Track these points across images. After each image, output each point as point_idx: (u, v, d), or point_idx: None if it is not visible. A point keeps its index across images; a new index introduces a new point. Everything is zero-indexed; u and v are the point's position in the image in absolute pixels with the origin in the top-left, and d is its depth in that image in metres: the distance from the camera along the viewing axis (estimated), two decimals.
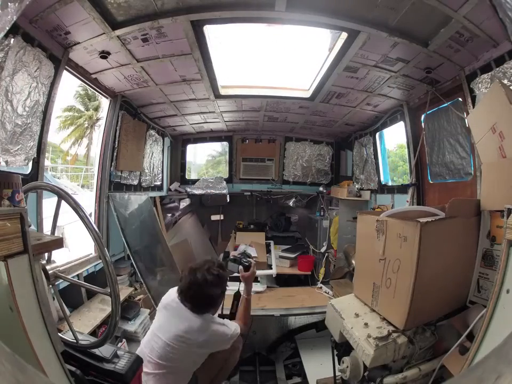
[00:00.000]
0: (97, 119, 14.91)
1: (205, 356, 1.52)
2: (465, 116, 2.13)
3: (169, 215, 4.19)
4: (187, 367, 1.50)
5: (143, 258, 2.80)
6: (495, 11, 1.37)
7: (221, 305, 1.66)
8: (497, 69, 1.77)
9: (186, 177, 4.62)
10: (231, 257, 1.98)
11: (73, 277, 2.13)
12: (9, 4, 0.84)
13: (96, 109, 15.12)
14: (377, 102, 2.92)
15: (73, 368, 1.07)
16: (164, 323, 1.54)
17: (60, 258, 1.32)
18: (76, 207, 1.02)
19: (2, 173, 1.09)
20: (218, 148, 11.61)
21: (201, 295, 1.49)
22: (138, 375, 1.33)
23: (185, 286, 1.51)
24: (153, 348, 1.47)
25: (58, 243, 0.93)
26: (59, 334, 1.13)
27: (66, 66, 2.01)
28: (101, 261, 2.31)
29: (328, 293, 2.96)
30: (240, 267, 1.86)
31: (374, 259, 1.28)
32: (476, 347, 0.88)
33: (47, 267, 1.07)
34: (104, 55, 2.06)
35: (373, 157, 3.57)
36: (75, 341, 1.17)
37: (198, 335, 1.44)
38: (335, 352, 1.37)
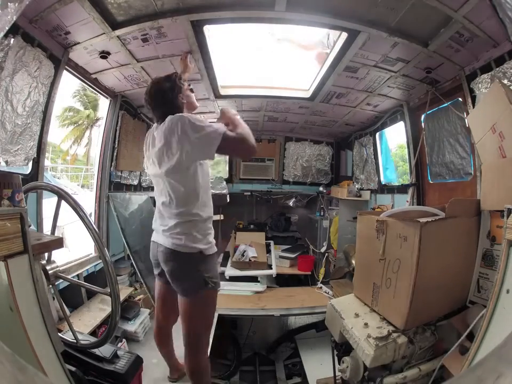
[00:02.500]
0: (97, 119, 14.91)
1: (186, 156, 1.27)
2: (465, 115, 2.13)
3: None
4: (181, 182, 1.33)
5: (143, 258, 2.80)
6: (495, 11, 1.37)
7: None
8: (497, 69, 1.77)
9: None
10: None
11: (73, 277, 2.13)
12: (9, 4, 0.84)
13: (94, 107, 15.12)
14: (377, 102, 2.92)
15: (73, 368, 1.07)
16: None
17: (59, 258, 1.32)
18: (76, 207, 1.02)
19: (2, 173, 1.09)
20: None
21: (154, 98, 1.43)
22: (138, 375, 1.34)
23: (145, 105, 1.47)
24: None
25: (58, 243, 0.93)
26: (59, 334, 1.13)
27: (66, 66, 2.01)
28: (101, 261, 2.30)
29: (328, 293, 2.96)
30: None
31: (374, 259, 1.28)
32: (476, 347, 0.88)
33: (47, 267, 1.08)
34: (104, 55, 2.06)
35: (373, 157, 3.57)
36: (75, 341, 1.17)
37: (165, 131, 1.29)
38: (335, 352, 1.37)
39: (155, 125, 1.48)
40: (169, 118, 1.32)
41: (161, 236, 1.41)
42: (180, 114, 1.33)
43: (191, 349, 1.43)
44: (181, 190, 1.33)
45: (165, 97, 1.43)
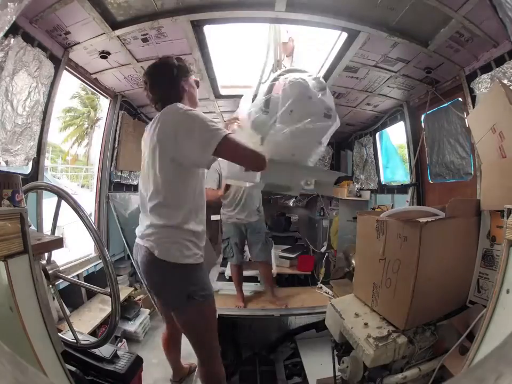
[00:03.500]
0: (97, 119, 14.91)
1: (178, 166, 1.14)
2: (465, 115, 2.13)
3: None
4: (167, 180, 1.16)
5: None
6: (495, 11, 1.37)
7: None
8: (497, 69, 1.77)
9: None
10: None
11: (73, 277, 2.13)
12: (9, 3, 0.84)
13: (94, 107, 15.12)
14: (377, 102, 2.92)
15: (73, 368, 1.07)
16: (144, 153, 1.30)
17: (60, 258, 1.32)
18: (76, 207, 1.02)
19: (2, 173, 1.09)
20: None
21: (152, 74, 1.25)
22: (138, 375, 1.34)
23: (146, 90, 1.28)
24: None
25: (58, 243, 0.93)
26: (59, 334, 1.13)
27: (66, 66, 2.01)
28: (101, 261, 2.30)
29: (328, 293, 2.95)
30: None
31: (374, 259, 1.28)
32: (476, 347, 0.88)
33: (47, 267, 1.08)
34: (104, 55, 2.06)
35: (373, 157, 3.57)
36: (75, 341, 1.17)
37: (160, 123, 1.15)
38: (335, 352, 1.37)
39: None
40: (174, 105, 1.14)
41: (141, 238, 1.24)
42: (189, 109, 1.14)
43: (202, 360, 1.33)
44: (173, 190, 1.17)
45: (166, 76, 1.23)
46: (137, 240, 1.28)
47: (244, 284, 2.73)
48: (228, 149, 1.08)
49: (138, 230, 1.29)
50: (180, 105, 1.15)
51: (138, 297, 2.71)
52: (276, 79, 1.27)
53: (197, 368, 1.71)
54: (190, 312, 1.21)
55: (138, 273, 1.38)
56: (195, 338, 1.29)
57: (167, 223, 1.17)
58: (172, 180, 1.15)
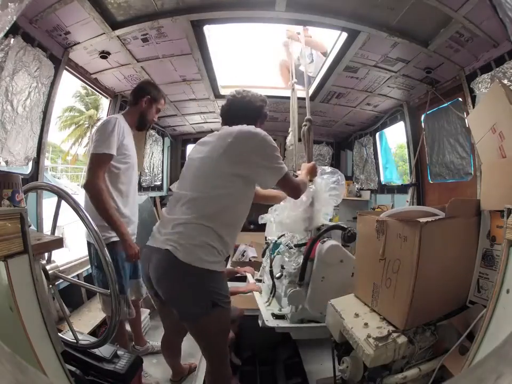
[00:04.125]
0: (98, 119, 14.90)
1: (246, 189, 1.21)
2: (465, 115, 2.13)
3: None
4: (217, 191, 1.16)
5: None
6: (495, 11, 1.37)
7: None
8: (497, 69, 1.77)
9: None
10: None
11: (73, 277, 2.13)
12: (9, 4, 0.84)
13: (97, 107, 15.12)
14: (377, 102, 2.92)
15: (73, 368, 1.07)
16: (193, 155, 1.31)
17: (59, 258, 1.32)
18: (76, 207, 1.02)
19: (2, 173, 1.09)
20: None
21: (246, 107, 1.33)
22: (138, 375, 1.34)
23: (226, 108, 1.38)
24: (178, 199, 1.21)
25: (58, 243, 0.93)
26: (59, 334, 1.13)
27: (66, 66, 2.01)
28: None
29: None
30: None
31: (374, 259, 1.27)
32: (476, 347, 0.88)
33: (47, 267, 1.08)
34: (104, 55, 2.06)
35: (373, 157, 3.57)
36: (75, 341, 1.17)
37: (229, 133, 1.20)
38: (335, 352, 1.37)
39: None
40: (253, 128, 1.23)
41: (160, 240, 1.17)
42: (263, 132, 1.22)
43: (214, 363, 1.27)
44: (226, 199, 1.17)
45: (251, 115, 1.34)
46: (152, 243, 1.20)
47: (243, 283, 2.72)
48: (285, 183, 1.26)
49: (158, 232, 1.21)
50: (258, 129, 1.23)
51: None
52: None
53: (197, 370, 1.70)
54: (211, 319, 1.14)
55: (144, 280, 1.29)
56: (210, 344, 1.23)
57: (204, 224, 1.12)
58: (230, 192, 1.17)
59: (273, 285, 1.53)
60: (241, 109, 1.34)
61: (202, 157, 1.23)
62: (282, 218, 1.52)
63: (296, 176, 1.52)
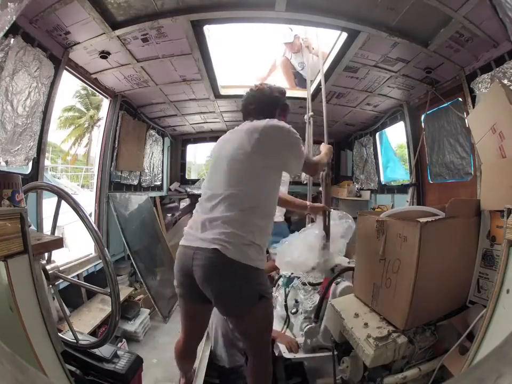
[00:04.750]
0: (98, 119, 14.90)
1: (274, 177, 1.27)
2: (465, 115, 2.13)
3: (169, 215, 4.19)
4: (254, 186, 1.21)
5: (143, 258, 2.80)
6: (495, 11, 1.37)
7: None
8: (497, 69, 1.77)
9: (186, 177, 4.62)
10: None
11: (73, 277, 2.13)
12: (9, 3, 0.84)
13: (97, 107, 15.11)
14: (377, 102, 2.92)
15: (73, 368, 1.07)
16: (220, 154, 1.34)
17: (60, 258, 1.31)
18: (76, 207, 1.02)
19: (2, 173, 1.09)
20: None
21: (263, 100, 1.39)
22: (138, 375, 1.34)
23: (245, 102, 1.45)
24: (210, 187, 1.26)
25: (58, 243, 0.93)
26: (59, 334, 1.13)
27: (66, 66, 2.01)
28: (101, 261, 2.30)
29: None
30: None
31: (374, 259, 1.27)
32: (476, 347, 0.88)
33: (47, 267, 1.08)
34: (104, 55, 2.06)
35: (373, 157, 3.57)
36: (75, 341, 1.17)
37: (258, 126, 1.25)
38: (335, 352, 1.37)
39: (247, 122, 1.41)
40: (276, 122, 1.29)
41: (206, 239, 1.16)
42: (287, 125, 1.29)
43: (258, 351, 1.30)
44: (258, 192, 1.22)
45: (269, 107, 1.40)
46: (192, 243, 1.20)
47: None
48: (306, 168, 1.41)
49: (196, 232, 1.21)
50: (281, 122, 1.30)
51: (138, 297, 2.71)
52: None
53: (197, 370, 1.69)
54: (259, 310, 1.20)
55: (181, 279, 1.25)
56: (258, 335, 1.28)
57: (246, 220, 1.17)
58: (263, 184, 1.23)
59: (287, 317, 1.62)
60: (259, 102, 1.40)
61: (230, 154, 1.26)
62: (294, 259, 1.60)
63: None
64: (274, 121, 1.29)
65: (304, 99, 2.99)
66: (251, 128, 1.28)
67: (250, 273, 1.16)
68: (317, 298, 1.44)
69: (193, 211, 1.33)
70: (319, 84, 2.61)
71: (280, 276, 1.86)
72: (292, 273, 1.69)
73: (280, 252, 1.68)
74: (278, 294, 1.77)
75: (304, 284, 1.57)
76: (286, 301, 1.65)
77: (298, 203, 1.78)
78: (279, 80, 3.12)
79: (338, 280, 1.37)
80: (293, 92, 3.04)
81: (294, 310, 1.47)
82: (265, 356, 1.32)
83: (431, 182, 2.74)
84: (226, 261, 1.11)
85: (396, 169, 3.42)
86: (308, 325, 1.39)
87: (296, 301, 1.53)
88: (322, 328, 1.36)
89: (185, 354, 1.55)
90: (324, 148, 1.78)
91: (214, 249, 1.12)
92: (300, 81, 3.08)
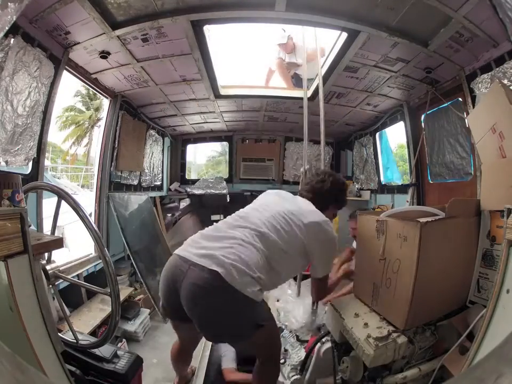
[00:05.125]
0: (98, 119, 14.89)
1: (303, 261, 1.29)
2: (465, 115, 2.13)
3: (169, 215, 4.19)
4: (284, 260, 1.20)
5: (143, 258, 2.80)
6: (495, 11, 1.37)
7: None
8: (497, 69, 1.77)
9: (186, 177, 4.62)
10: None
11: (73, 277, 2.13)
12: (9, 3, 0.84)
13: (97, 109, 15.11)
14: (377, 102, 2.92)
15: (73, 368, 1.07)
16: (269, 201, 1.35)
17: (59, 258, 1.31)
18: (76, 207, 1.02)
19: (2, 173, 1.09)
20: (218, 148, 11.62)
21: (326, 190, 1.41)
22: (138, 375, 1.34)
23: (310, 181, 1.46)
24: (247, 220, 1.22)
25: (58, 243, 0.93)
26: (59, 334, 1.13)
27: (66, 66, 2.01)
28: (101, 261, 2.30)
29: None
30: None
31: (374, 259, 1.27)
32: (476, 347, 0.88)
33: (47, 267, 1.07)
34: (104, 55, 2.06)
35: (372, 157, 3.57)
36: (75, 341, 1.17)
37: (311, 217, 1.25)
38: (335, 352, 1.37)
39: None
40: (328, 226, 1.28)
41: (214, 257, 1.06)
42: (334, 234, 1.31)
43: (268, 361, 1.27)
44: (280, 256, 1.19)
45: (327, 200, 1.43)
46: (190, 256, 1.10)
47: None
48: (320, 284, 1.43)
49: (198, 246, 1.14)
50: (330, 226, 1.30)
51: (138, 297, 2.71)
52: None
53: (197, 371, 1.69)
54: (259, 337, 1.13)
55: (166, 290, 1.18)
56: (263, 351, 1.25)
57: (263, 267, 1.12)
58: (294, 260, 1.25)
59: None
60: (318, 195, 1.41)
61: (290, 210, 1.26)
62: (289, 318, 1.75)
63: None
64: (329, 225, 1.29)
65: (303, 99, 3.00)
66: (312, 213, 1.28)
67: (248, 306, 1.07)
68: (303, 354, 1.55)
69: (209, 228, 1.26)
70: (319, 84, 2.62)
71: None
72: (285, 325, 1.78)
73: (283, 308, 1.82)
74: None
75: (294, 336, 1.70)
76: None
77: (337, 280, 1.73)
78: (277, 82, 3.13)
79: (323, 340, 1.45)
80: (291, 92, 3.04)
81: (282, 361, 1.57)
82: (274, 360, 1.30)
83: (431, 182, 2.74)
84: (225, 286, 1.01)
85: (392, 172, 3.44)
86: (294, 375, 1.50)
87: (285, 350, 1.65)
88: (307, 379, 1.45)
89: (181, 358, 1.57)
90: (344, 270, 1.75)
91: (213, 271, 1.02)
92: (298, 81, 3.09)
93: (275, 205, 1.30)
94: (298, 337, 1.68)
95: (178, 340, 1.49)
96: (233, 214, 1.31)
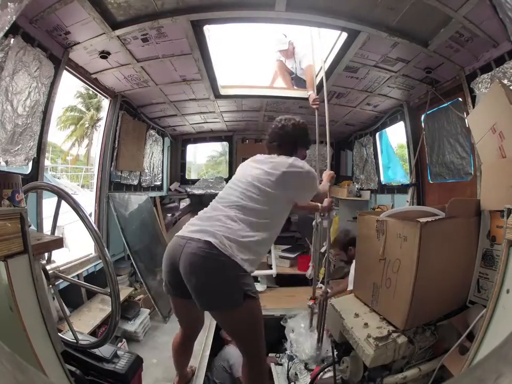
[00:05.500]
0: (98, 119, 14.90)
1: (287, 205, 1.45)
2: (465, 115, 2.13)
3: (169, 215, 4.19)
4: (270, 210, 1.34)
5: (143, 258, 2.80)
6: (495, 11, 1.37)
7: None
8: (497, 69, 1.77)
9: (186, 177, 4.62)
10: None
11: (73, 277, 2.13)
12: (9, 3, 0.84)
13: (98, 109, 15.11)
14: (377, 102, 2.92)
15: (73, 368, 1.07)
16: (239, 176, 1.46)
17: (59, 258, 1.32)
18: (76, 207, 1.02)
19: (2, 173, 1.09)
20: (218, 148, 11.64)
21: (286, 139, 1.51)
22: (138, 375, 1.34)
23: (270, 132, 1.61)
24: (230, 194, 1.37)
25: (58, 243, 0.93)
26: (59, 334, 1.13)
27: (66, 66, 2.01)
28: (101, 261, 2.30)
29: (328, 293, 2.95)
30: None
31: (374, 259, 1.28)
32: (476, 347, 0.88)
33: (47, 267, 1.08)
34: (104, 55, 2.06)
35: (373, 157, 3.57)
36: (75, 341, 1.17)
37: (277, 171, 1.36)
38: (335, 352, 1.37)
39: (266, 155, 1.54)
40: (300, 165, 1.41)
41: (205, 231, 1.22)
42: (308, 168, 1.43)
43: (252, 353, 1.33)
44: (265, 214, 1.33)
45: (296, 144, 1.54)
46: (186, 233, 1.26)
47: None
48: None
49: (192, 224, 1.31)
50: (303, 164, 1.43)
51: (138, 297, 2.71)
52: None
53: (197, 371, 1.70)
54: (246, 309, 1.22)
55: (168, 270, 1.29)
56: (248, 333, 1.29)
57: (257, 231, 1.28)
58: (278, 211, 1.41)
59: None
60: (281, 140, 1.53)
61: (256, 176, 1.38)
62: (299, 350, 2.00)
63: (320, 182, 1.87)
64: (295, 166, 1.40)
65: (303, 99, 3.00)
66: (278, 164, 1.40)
67: (237, 271, 1.19)
68: (308, 380, 1.75)
69: (200, 211, 1.40)
70: (319, 84, 2.62)
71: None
72: (296, 355, 2.02)
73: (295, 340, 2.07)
74: (283, 361, 2.16)
75: (302, 363, 1.95)
76: (288, 373, 2.01)
77: (311, 206, 1.91)
78: (279, 83, 3.13)
79: (325, 370, 1.62)
80: (291, 92, 3.04)
81: None
82: (259, 355, 1.33)
83: (431, 182, 2.74)
84: (218, 253, 1.16)
85: (396, 171, 3.42)
86: None
87: (296, 374, 1.91)
88: None
89: (182, 350, 1.60)
90: (326, 176, 1.95)
91: (207, 241, 1.17)
92: (297, 81, 3.08)
93: (245, 177, 1.41)
94: (307, 365, 1.93)
95: (179, 331, 1.54)
96: (216, 197, 1.44)
